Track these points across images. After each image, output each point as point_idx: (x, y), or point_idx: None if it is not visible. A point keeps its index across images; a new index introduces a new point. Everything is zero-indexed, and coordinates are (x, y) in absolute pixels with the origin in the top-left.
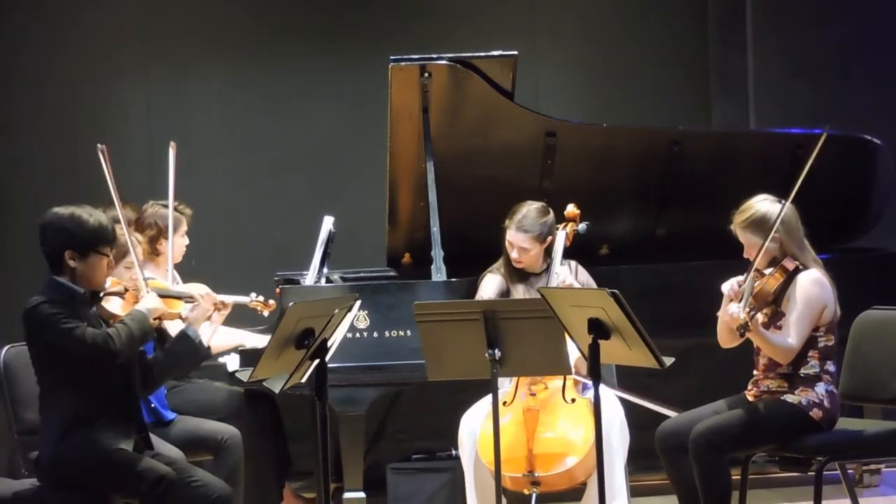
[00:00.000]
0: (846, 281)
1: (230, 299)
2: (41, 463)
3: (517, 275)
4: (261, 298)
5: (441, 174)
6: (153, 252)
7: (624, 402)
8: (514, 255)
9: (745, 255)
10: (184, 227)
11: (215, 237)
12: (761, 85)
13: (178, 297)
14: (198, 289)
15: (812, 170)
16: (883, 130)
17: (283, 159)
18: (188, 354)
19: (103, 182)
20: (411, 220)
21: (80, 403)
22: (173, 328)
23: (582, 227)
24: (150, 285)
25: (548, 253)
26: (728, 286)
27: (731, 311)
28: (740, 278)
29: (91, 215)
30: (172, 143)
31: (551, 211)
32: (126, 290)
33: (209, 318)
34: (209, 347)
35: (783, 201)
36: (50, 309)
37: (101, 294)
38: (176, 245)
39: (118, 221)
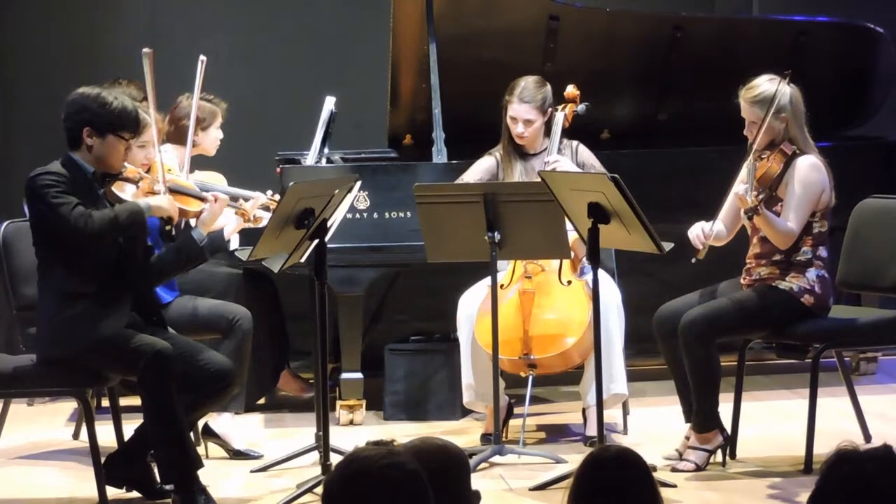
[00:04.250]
0: (846, 169)
1: (246, 196)
2: (37, 341)
3: (516, 153)
4: (276, 197)
5: (443, 56)
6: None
7: (621, 285)
8: (518, 129)
9: (746, 133)
10: (219, 120)
11: None
12: None
13: (193, 197)
14: (212, 178)
15: (814, 57)
16: (887, 19)
17: (284, 39)
18: (191, 256)
19: (110, 56)
20: (413, 101)
21: (74, 280)
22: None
23: (581, 107)
24: (168, 181)
25: (546, 134)
26: (694, 233)
27: (739, 191)
28: (705, 224)
29: (116, 98)
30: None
31: (548, 84)
32: (141, 178)
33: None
34: (228, 241)
35: (790, 83)
36: (47, 180)
37: (115, 177)
38: (211, 138)
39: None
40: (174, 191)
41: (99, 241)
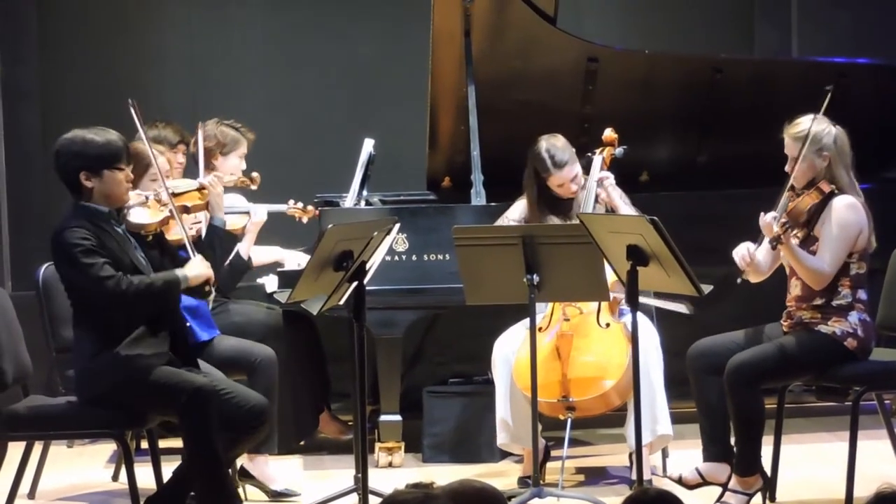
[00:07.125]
0: (887, 211)
1: (266, 208)
2: (75, 380)
3: (548, 207)
4: (299, 205)
5: (482, 98)
6: (206, 166)
7: (658, 328)
8: (572, 189)
9: (787, 168)
10: (242, 150)
11: (255, 158)
12: (804, 12)
13: (194, 190)
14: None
15: (854, 99)
16: None
17: (324, 81)
18: (223, 244)
19: (149, 100)
20: (452, 143)
21: (110, 321)
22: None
23: (619, 151)
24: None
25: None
26: (739, 255)
27: (767, 219)
28: (750, 244)
29: (97, 134)
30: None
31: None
32: (147, 198)
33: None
34: (249, 259)
35: (836, 125)
36: (74, 237)
37: (125, 209)
38: (230, 165)
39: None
40: (176, 194)
41: (131, 309)
